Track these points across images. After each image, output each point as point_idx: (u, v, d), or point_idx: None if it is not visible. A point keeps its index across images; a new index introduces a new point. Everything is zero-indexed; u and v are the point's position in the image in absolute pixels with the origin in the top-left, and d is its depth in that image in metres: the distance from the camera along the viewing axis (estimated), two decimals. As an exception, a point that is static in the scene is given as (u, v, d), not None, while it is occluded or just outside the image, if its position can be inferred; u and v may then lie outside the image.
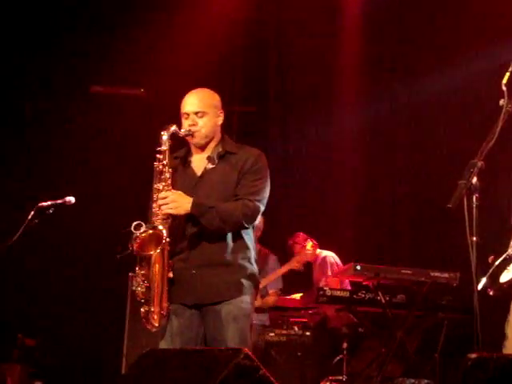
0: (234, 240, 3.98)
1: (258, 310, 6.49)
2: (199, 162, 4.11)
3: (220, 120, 4.12)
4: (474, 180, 3.45)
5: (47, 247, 7.52)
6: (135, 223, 3.85)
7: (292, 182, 8.37)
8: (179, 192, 3.93)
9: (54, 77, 7.90)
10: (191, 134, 4.03)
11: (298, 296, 7.08)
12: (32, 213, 4.88)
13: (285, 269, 6.92)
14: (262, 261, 6.61)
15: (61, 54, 7.83)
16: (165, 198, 3.89)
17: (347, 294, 6.10)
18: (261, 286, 6.41)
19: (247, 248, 4.04)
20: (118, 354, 6.39)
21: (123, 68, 7.83)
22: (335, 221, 7.87)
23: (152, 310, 3.88)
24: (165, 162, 3.94)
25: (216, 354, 3.20)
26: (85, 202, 5.45)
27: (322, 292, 6.06)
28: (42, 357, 6.91)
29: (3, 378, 6.30)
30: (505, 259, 4.60)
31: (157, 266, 3.86)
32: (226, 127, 4.19)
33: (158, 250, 3.84)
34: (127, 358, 6.21)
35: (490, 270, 3.37)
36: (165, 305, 3.89)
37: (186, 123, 4.05)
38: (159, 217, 3.89)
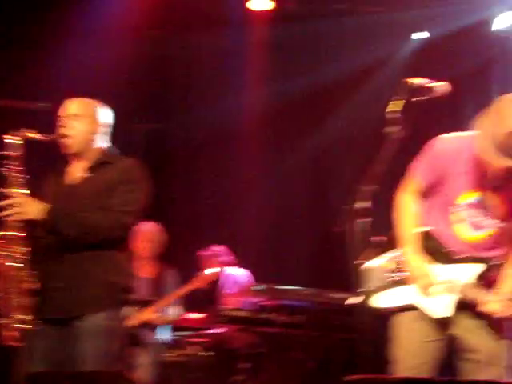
0: (100, 252, 3.81)
1: (154, 327, 6.35)
2: (75, 172, 3.99)
3: (98, 129, 4.00)
4: (359, 204, 3.52)
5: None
6: None
7: (201, 198, 8.38)
8: (28, 198, 3.75)
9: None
10: (60, 137, 3.89)
11: (199, 315, 7.03)
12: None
13: (187, 288, 6.57)
14: (159, 277, 6.52)
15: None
16: (11, 204, 3.70)
17: (248, 314, 6.09)
18: (162, 307, 6.40)
19: (116, 260, 3.87)
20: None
21: (28, 82, 7.68)
22: (238, 239, 7.84)
23: (8, 322, 3.65)
24: (13, 167, 3.77)
25: (95, 377, 3.16)
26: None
27: (222, 312, 6.05)
28: None
29: None
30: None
31: (7, 274, 3.67)
32: (131, 144, 4.12)
33: None
34: None
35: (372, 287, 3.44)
36: (25, 318, 3.66)
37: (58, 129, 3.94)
38: (9, 225, 3.69)
